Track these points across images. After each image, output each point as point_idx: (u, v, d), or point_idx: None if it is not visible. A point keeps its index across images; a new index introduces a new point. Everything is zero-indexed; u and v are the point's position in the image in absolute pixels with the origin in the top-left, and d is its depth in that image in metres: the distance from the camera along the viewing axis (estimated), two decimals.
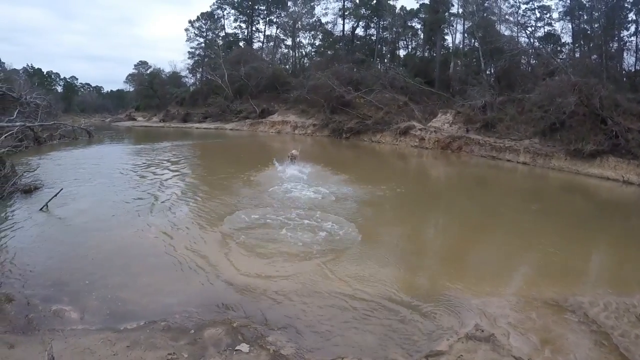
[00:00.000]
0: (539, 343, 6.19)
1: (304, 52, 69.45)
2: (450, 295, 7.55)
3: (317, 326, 6.40)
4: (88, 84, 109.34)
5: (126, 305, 6.79)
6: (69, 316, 6.43)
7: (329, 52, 62.05)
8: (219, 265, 8.51)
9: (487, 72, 42.67)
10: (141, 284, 7.61)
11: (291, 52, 70.63)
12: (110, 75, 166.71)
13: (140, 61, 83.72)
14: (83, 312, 6.56)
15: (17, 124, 26.93)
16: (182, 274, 8.09)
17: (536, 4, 45.43)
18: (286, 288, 7.55)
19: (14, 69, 67.40)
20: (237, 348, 5.67)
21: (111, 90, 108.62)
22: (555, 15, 44.53)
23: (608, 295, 7.95)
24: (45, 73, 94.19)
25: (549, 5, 45.08)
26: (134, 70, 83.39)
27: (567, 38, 44.07)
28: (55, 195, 12.78)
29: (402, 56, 58.94)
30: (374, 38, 60.28)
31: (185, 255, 9.02)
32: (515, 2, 45.58)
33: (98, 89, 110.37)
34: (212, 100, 58.72)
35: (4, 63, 65.15)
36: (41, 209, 12.06)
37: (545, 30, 45.98)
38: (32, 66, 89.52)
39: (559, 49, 44.13)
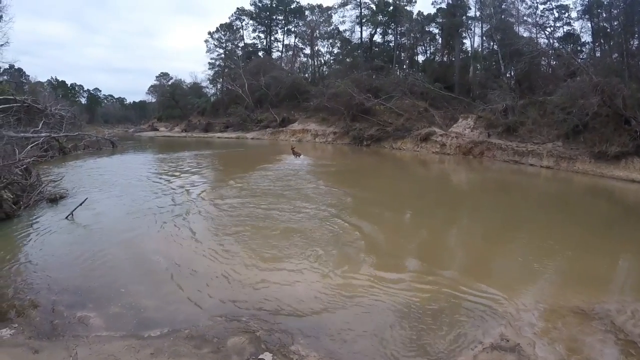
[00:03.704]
0: (565, 353, 6.12)
1: (322, 61, 69.95)
2: (474, 304, 7.49)
3: (339, 334, 6.45)
4: (111, 95, 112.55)
5: (150, 313, 6.94)
6: (93, 323, 6.58)
7: (347, 60, 62.22)
8: (242, 273, 8.64)
9: (507, 75, 42.13)
10: (165, 291, 7.75)
11: (310, 60, 71.34)
12: (133, 86, 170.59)
13: (161, 72, 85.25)
14: (107, 319, 6.73)
15: (43, 134, 27.94)
16: (206, 282, 8.21)
17: (554, 4, 44.89)
18: (308, 296, 7.63)
19: (39, 81, 69.17)
20: (260, 357, 5.75)
21: (134, 101, 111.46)
22: (574, 14, 43.58)
23: (635, 303, 7.78)
24: (69, 85, 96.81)
25: (567, 5, 44.25)
26: (155, 82, 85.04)
27: (586, 37, 43.38)
28: (80, 204, 13.15)
29: (420, 62, 58.85)
30: (392, 44, 60.31)
31: (209, 263, 9.20)
32: (533, 2, 45.03)
33: (121, 100, 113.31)
34: (233, 110, 59.42)
35: (28, 76, 66.84)
36: (66, 218, 12.43)
37: (565, 30, 45.42)
38: (56, 78, 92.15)
39: (579, 48, 43.49)
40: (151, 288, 7.88)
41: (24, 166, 15.66)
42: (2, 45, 44.56)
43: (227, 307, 7.18)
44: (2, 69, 53.93)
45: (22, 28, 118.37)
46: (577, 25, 44.14)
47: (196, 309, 7.13)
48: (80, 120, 43.75)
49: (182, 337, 6.21)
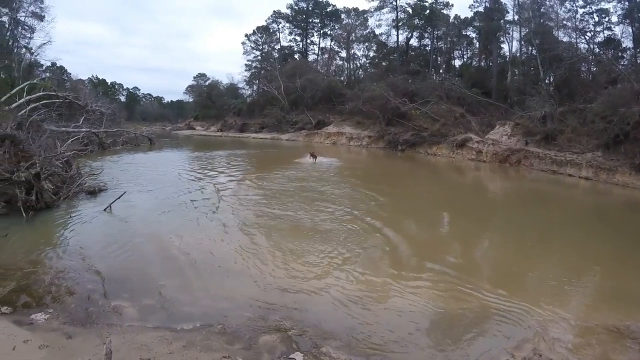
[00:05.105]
0: None
1: (358, 64, 70.12)
2: (506, 316, 7.35)
3: (369, 339, 6.44)
4: (149, 94, 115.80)
5: (183, 307, 7.07)
6: (127, 312, 6.77)
7: (383, 64, 61.96)
8: (274, 272, 8.73)
9: (546, 81, 41.14)
10: (199, 286, 7.89)
11: (346, 63, 71.54)
12: (170, 86, 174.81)
13: (199, 73, 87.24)
14: (141, 309, 6.89)
15: (83, 129, 29.22)
16: (238, 279, 8.32)
17: (594, 8, 42.82)
18: (339, 299, 7.63)
19: (80, 79, 70.88)
20: (291, 356, 5.77)
21: (171, 101, 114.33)
22: (614, 18, 41.70)
23: None
24: (109, 83, 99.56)
25: (607, 9, 42.24)
26: (193, 82, 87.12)
27: (628, 43, 41.26)
28: (119, 198, 13.56)
29: (457, 66, 58.19)
30: (428, 48, 59.92)
31: (241, 260, 9.32)
32: (573, 6, 43.22)
33: (159, 99, 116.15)
34: (269, 111, 60.00)
35: (70, 73, 68.51)
36: (104, 210, 12.84)
37: (605, 35, 43.28)
38: (96, 77, 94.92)
39: (620, 54, 41.70)
40: (184, 282, 8.04)
41: (65, 159, 16.15)
42: (44, 43, 46.48)
43: (260, 306, 7.24)
44: (44, 67, 55.91)
45: (64, 29, 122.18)
46: (617, 30, 42.26)
47: (229, 305, 7.22)
48: (120, 117, 45.21)
49: (215, 332, 6.31)
